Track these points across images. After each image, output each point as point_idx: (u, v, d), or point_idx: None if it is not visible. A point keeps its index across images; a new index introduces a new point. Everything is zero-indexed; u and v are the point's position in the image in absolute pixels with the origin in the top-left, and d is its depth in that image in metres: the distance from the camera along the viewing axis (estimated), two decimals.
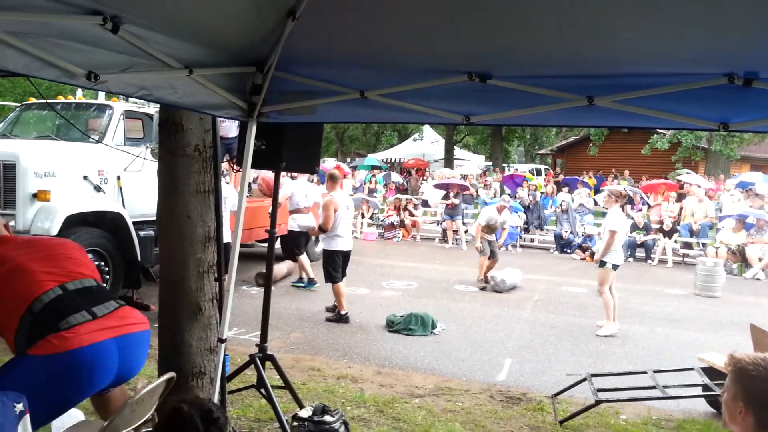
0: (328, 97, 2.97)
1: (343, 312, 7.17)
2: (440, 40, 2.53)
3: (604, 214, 16.34)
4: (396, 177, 25.46)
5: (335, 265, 7.16)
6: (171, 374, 2.75)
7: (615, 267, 7.17)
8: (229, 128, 8.50)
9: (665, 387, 4.53)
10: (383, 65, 2.80)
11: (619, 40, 2.31)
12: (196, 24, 2.41)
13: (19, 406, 2.04)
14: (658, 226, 13.82)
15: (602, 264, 7.17)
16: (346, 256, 7.31)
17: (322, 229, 7.30)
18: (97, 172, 6.78)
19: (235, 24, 2.53)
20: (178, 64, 2.47)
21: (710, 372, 4.77)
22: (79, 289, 2.57)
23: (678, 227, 13.78)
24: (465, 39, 2.51)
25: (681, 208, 14.73)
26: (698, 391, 4.72)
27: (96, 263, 6.57)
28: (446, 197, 15.52)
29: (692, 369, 4.92)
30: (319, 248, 8.82)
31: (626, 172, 24.93)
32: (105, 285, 2.70)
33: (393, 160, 32.02)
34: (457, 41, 2.52)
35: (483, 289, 9.45)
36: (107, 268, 6.77)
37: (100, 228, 6.62)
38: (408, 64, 2.75)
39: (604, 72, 2.48)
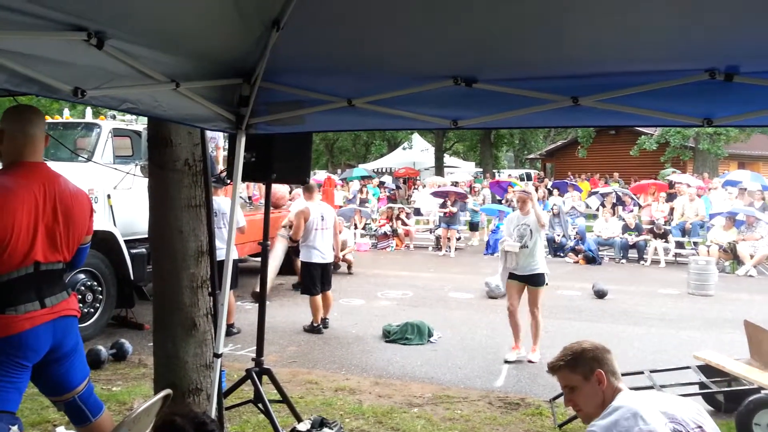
0: (316, 106, 2.98)
1: (315, 324, 7.17)
2: (425, 45, 2.55)
3: (595, 217, 16.51)
4: (390, 183, 25.41)
5: (312, 277, 7.15)
6: (167, 391, 2.72)
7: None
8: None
9: (662, 386, 4.54)
10: (369, 72, 2.81)
11: (601, 41, 2.33)
12: (181, 37, 2.41)
13: (14, 429, 2.02)
14: (649, 226, 13.90)
15: (542, 279, 6.11)
16: (324, 268, 7.25)
17: (293, 240, 7.40)
18: (87, 191, 6.72)
19: (220, 36, 2.53)
20: (165, 77, 2.47)
21: (707, 370, 4.79)
22: (46, 270, 2.70)
23: (669, 228, 13.85)
24: (450, 44, 2.53)
25: (672, 208, 14.82)
26: (695, 389, 4.74)
27: (88, 284, 6.56)
28: (444, 205, 15.51)
29: (689, 368, 4.93)
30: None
31: (615, 174, 25.09)
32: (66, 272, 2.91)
33: (383, 170, 32.07)
34: (442, 47, 2.54)
35: None
36: (100, 288, 6.73)
37: (91, 248, 6.54)
38: (394, 70, 2.77)
39: (588, 72, 2.51)
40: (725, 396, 4.66)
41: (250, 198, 10.99)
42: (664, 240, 13.42)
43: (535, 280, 6.08)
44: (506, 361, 6.00)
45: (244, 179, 3.70)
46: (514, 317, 6.13)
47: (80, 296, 6.44)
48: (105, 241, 6.71)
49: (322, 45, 2.67)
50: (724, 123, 2.50)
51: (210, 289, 3.62)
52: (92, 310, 6.65)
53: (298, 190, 9.42)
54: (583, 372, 2.06)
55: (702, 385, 4.70)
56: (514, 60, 2.58)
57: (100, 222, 6.75)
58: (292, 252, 9.21)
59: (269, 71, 2.87)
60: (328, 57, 2.76)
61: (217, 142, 9.42)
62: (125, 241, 6.92)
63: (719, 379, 4.69)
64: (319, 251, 7.16)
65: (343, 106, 2.91)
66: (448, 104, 2.81)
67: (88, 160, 6.76)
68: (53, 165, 2.87)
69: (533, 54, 2.51)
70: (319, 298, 7.17)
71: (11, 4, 1.76)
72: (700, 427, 1.89)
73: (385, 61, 2.74)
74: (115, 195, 7.03)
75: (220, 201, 6.67)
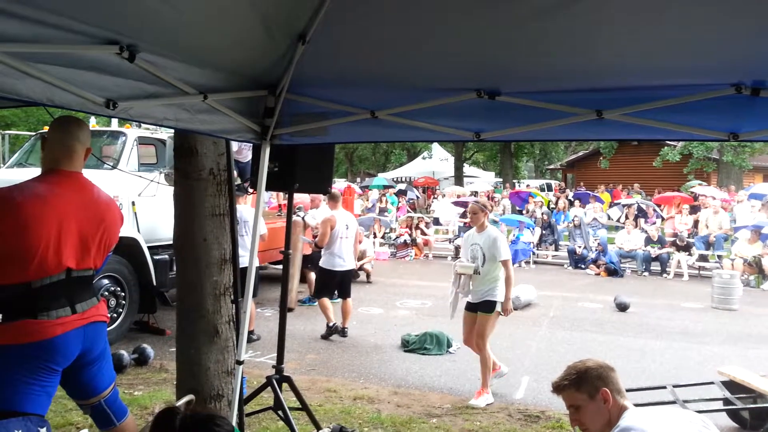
0: (340, 118, 3.01)
1: (330, 324, 7.31)
2: (449, 58, 2.57)
3: (617, 228, 16.32)
4: (411, 194, 25.37)
5: (327, 283, 7.34)
6: (190, 397, 2.78)
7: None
8: (246, 152, 8.54)
9: (685, 402, 4.47)
10: (393, 85, 2.84)
11: (626, 54, 2.33)
12: (209, 50, 2.46)
13: (43, 431, 2.07)
14: (672, 239, 13.72)
15: (493, 305, 5.26)
16: (344, 276, 7.38)
17: (318, 246, 7.49)
18: (112, 197, 6.85)
19: (247, 49, 2.58)
20: (193, 90, 2.52)
21: (731, 385, 4.71)
22: (78, 277, 2.75)
23: (692, 240, 13.67)
24: (473, 57, 2.54)
25: (696, 221, 14.62)
26: (719, 405, 4.65)
27: (112, 289, 6.67)
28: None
29: (712, 383, 4.85)
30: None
31: (636, 185, 24.77)
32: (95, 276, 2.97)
33: (403, 179, 32.07)
34: (465, 59, 2.56)
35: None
36: (123, 294, 6.83)
37: (115, 253, 6.67)
38: (417, 83, 2.79)
39: (612, 85, 2.50)
40: (750, 413, 4.58)
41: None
42: (687, 253, 13.24)
43: (484, 306, 5.28)
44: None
45: (267, 189, 3.75)
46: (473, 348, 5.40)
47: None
48: (129, 247, 6.81)
49: (346, 58, 2.71)
50: (749, 138, 2.47)
51: (232, 296, 3.66)
52: (115, 315, 6.74)
53: (318, 195, 9.43)
54: (588, 391, 2.06)
55: (726, 401, 4.62)
56: (538, 73, 2.59)
57: (125, 228, 6.81)
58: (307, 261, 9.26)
59: (294, 83, 2.91)
60: (353, 70, 2.79)
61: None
62: (149, 248, 7.03)
63: (744, 395, 4.61)
64: (342, 259, 7.27)
65: (366, 117, 2.94)
66: (470, 117, 2.82)
67: (114, 167, 6.89)
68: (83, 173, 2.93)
69: (557, 67, 2.51)
70: (327, 300, 7.32)
71: (46, 18, 1.82)
72: None
73: (409, 74, 2.76)
74: (139, 202, 7.15)
75: (242, 209, 6.74)
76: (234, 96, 2.83)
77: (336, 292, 7.48)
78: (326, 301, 7.32)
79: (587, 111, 2.55)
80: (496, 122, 2.81)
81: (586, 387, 2.07)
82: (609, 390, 2.04)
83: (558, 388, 2.14)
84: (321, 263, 7.43)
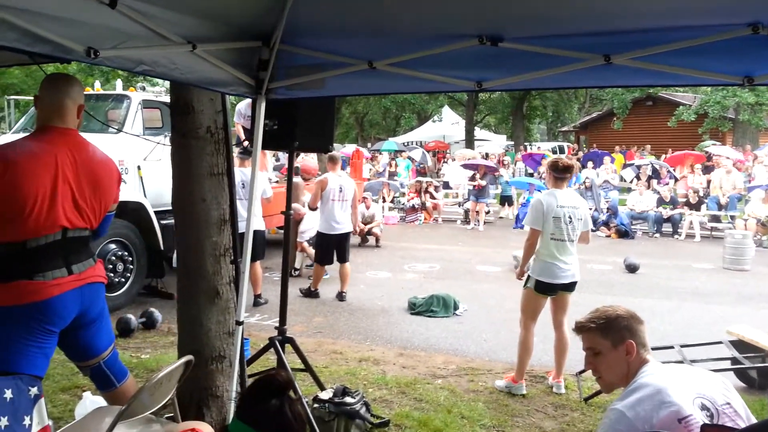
0: (337, 69, 2.89)
1: (313, 289, 7.54)
2: (450, 2, 2.43)
3: (629, 190, 16.10)
4: (418, 156, 25.09)
5: (323, 247, 7.43)
6: (189, 357, 2.74)
7: (545, 288, 4.71)
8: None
9: (693, 361, 4.42)
10: (390, 33, 2.71)
11: None
12: None
13: (34, 390, 2.04)
14: (684, 199, 13.53)
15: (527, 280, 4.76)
16: (339, 239, 7.35)
17: (311, 207, 7.59)
18: (117, 162, 6.79)
19: None
20: (181, 39, 2.41)
21: (739, 345, 4.65)
22: (74, 237, 2.72)
23: (705, 200, 13.47)
24: (475, 0, 2.41)
25: (709, 181, 14.39)
26: (727, 364, 4.60)
27: (119, 254, 6.67)
28: (473, 178, 15.31)
29: (720, 342, 4.79)
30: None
31: (648, 147, 24.37)
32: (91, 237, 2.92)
33: (413, 143, 31.76)
34: (466, 3, 2.42)
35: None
36: (131, 258, 6.84)
37: (122, 218, 6.64)
38: (416, 30, 2.66)
39: (621, 28, 2.36)
40: (759, 372, 4.53)
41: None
42: (697, 210, 13.05)
43: None
44: None
45: (266, 147, 3.66)
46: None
47: (111, 266, 6.55)
48: (135, 211, 6.79)
49: (341, 4, 2.58)
50: (765, 81, 2.33)
51: (232, 257, 3.61)
52: (123, 279, 6.76)
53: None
54: (613, 339, 1.97)
55: (734, 361, 4.56)
56: (543, 16, 2.45)
57: (131, 193, 6.81)
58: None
59: (288, 33, 2.80)
60: (349, 17, 2.66)
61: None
62: (155, 212, 7.00)
63: (753, 354, 4.55)
64: (336, 222, 7.26)
65: (363, 68, 2.82)
66: (472, 65, 2.69)
67: (119, 131, 6.81)
68: (84, 136, 2.86)
69: (562, 9, 2.37)
70: (323, 268, 7.53)
71: None
72: (728, 403, 1.81)
73: (407, 21, 2.63)
74: (145, 166, 7.09)
75: (248, 172, 6.67)
76: (225, 46, 2.72)
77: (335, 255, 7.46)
78: (322, 268, 7.52)
79: (594, 56, 2.41)
80: (498, 71, 2.67)
81: (611, 335, 1.98)
82: (635, 343, 1.95)
83: (581, 328, 2.05)
84: (318, 228, 7.46)
